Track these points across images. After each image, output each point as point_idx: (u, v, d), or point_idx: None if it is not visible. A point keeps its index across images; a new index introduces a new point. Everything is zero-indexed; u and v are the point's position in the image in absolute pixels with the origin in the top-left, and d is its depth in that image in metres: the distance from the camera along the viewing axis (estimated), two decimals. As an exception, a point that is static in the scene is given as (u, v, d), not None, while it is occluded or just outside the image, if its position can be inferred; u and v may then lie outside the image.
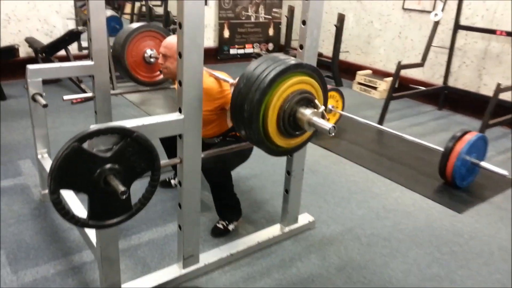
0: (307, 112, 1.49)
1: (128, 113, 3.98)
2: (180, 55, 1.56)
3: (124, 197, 1.40)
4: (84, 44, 4.96)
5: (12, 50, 3.97)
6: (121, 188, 1.39)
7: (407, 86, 4.90)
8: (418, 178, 3.12)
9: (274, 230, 2.28)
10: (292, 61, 1.52)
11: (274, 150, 1.62)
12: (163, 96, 4.70)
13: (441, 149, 3.35)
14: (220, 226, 2.30)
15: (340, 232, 2.40)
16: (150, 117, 1.59)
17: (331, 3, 6.00)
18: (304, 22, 1.89)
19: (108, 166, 1.44)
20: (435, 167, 3.13)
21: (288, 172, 2.19)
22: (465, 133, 2.98)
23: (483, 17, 4.43)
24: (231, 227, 2.31)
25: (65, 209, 1.42)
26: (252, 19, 6.45)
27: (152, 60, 2.67)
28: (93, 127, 1.42)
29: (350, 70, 5.71)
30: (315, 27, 1.92)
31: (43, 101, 2.15)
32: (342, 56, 5.81)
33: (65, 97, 2.37)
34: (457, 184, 2.96)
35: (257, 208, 2.58)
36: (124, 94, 3.71)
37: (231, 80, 2.02)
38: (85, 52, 5.03)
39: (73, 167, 1.38)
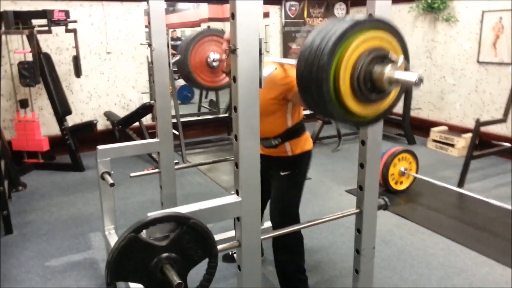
0: (384, 69, 1.31)
1: (194, 181, 4.03)
2: (236, 138, 1.52)
3: (180, 290, 1.33)
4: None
5: (90, 126, 4.28)
6: (176, 280, 1.33)
7: (489, 142, 4.51)
8: (509, 250, 2.75)
9: (344, 315, 2.07)
10: (352, 20, 1.33)
11: (356, 121, 1.43)
12: (229, 163, 4.73)
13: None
14: (285, 309, 2.14)
15: (421, 317, 2.14)
16: (206, 202, 1.55)
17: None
18: None
19: (164, 255, 1.40)
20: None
21: (357, 251, 2.01)
22: None
23: None
24: (296, 310, 2.15)
25: (121, 301, 1.38)
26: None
27: (215, 64, 2.65)
28: (150, 215, 1.40)
29: (423, 127, 5.44)
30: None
31: (110, 180, 2.21)
32: (414, 113, 5.57)
33: (132, 174, 2.43)
34: (560, 259, 2.56)
35: (325, 287, 2.39)
36: (187, 167, 3.78)
37: (294, 62, 1.72)
38: (157, 121, 5.30)
39: (130, 258, 1.35)
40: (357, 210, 1.94)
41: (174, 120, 4.90)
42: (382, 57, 1.36)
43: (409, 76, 1.28)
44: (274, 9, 6.05)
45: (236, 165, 1.55)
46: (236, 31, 1.41)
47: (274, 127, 2.11)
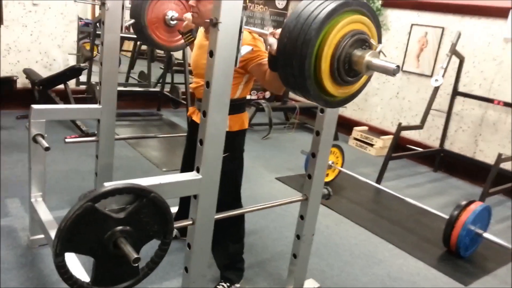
0: (364, 54, 1.35)
1: (122, 154, 3.85)
2: (204, 113, 1.48)
3: (136, 265, 1.28)
4: (82, 79, 4.89)
5: (10, 82, 3.86)
6: (134, 255, 1.27)
7: (404, 146, 4.91)
8: (421, 245, 3.04)
9: (277, 297, 2.14)
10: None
11: (329, 100, 1.47)
12: (158, 139, 4.60)
13: (444, 215, 3.30)
14: (221, 288, 2.16)
15: (345, 301, 2.28)
16: (166, 176, 1.49)
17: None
18: None
19: (119, 228, 1.33)
20: (437, 233, 3.08)
21: (298, 236, 2.08)
22: (469, 202, 2.94)
23: (481, 85, 4.53)
24: (231, 290, 2.17)
25: (68, 274, 1.29)
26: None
27: (173, 22, 2.54)
28: (109, 185, 1.31)
29: (346, 125, 5.74)
30: None
31: (45, 144, 2.03)
32: (339, 111, 5.84)
33: (67, 140, 2.26)
34: (461, 254, 2.89)
35: (259, 269, 2.44)
36: (127, 139, 3.59)
37: (268, 32, 1.68)
38: (82, 87, 4.95)
39: (83, 229, 1.27)
40: (303, 197, 2.01)
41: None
42: (362, 41, 1.41)
43: (388, 64, 1.34)
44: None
45: (201, 141, 1.51)
46: (221, 3, 1.37)
47: None
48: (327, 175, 3.91)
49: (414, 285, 2.52)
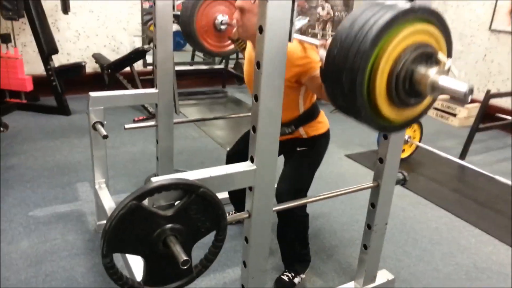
0: (429, 71, 1.11)
1: (188, 134, 3.83)
2: (256, 98, 1.32)
3: (186, 267, 1.18)
4: (149, 60, 4.93)
5: (79, 67, 3.98)
6: (183, 256, 1.17)
7: (493, 115, 4.39)
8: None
9: (348, 290, 1.97)
10: (408, 4, 1.11)
11: (382, 125, 1.23)
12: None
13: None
14: (286, 278, 2.03)
15: (424, 295, 2.06)
16: (217, 168, 1.36)
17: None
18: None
19: (168, 226, 1.23)
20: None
21: (369, 226, 1.88)
22: None
23: None
24: (297, 280, 2.04)
25: (118, 274, 1.23)
26: (319, 37, 6.18)
27: (223, 27, 2.41)
28: (155, 181, 1.21)
29: (424, 94, 5.27)
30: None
31: (103, 131, 2.01)
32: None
33: (127, 126, 2.22)
34: None
35: (326, 256, 2.29)
36: (187, 122, 3.54)
37: (318, 42, 1.51)
38: (149, 68, 5.00)
39: (130, 228, 1.18)
40: (375, 184, 1.79)
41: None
42: (428, 56, 1.14)
43: (458, 86, 1.06)
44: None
45: (254, 128, 1.36)
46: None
47: (286, 113, 1.87)
48: (403, 150, 3.59)
49: (505, 279, 2.22)
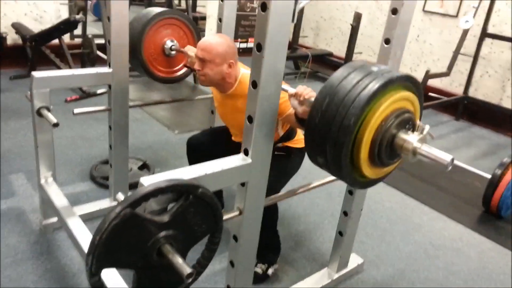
0: (410, 138, 1.17)
1: (131, 116, 3.53)
2: (254, 84, 1.19)
3: (190, 280, 1.04)
4: (77, 31, 4.46)
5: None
6: (187, 269, 1.03)
7: (426, 94, 4.62)
8: (458, 205, 2.86)
9: (322, 278, 1.96)
10: (392, 73, 1.17)
11: (359, 182, 1.28)
12: (165, 93, 4.29)
13: (479, 172, 3.12)
14: (259, 270, 1.96)
15: (391, 275, 2.11)
16: (210, 164, 1.23)
17: (343, 1, 5.66)
18: (387, 41, 1.55)
19: (163, 233, 1.08)
20: (471, 191, 2.94)
21: (345, 213, 1.86)
22: (513, 160, 2.72)
23: (512, 25, 4.18)
24: (270, 271, 1.98)
25: (107, 294, 1.06)
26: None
27: (172, 53, 2.26)
28: (147, 183, 1.05)
29: (360, 72, 5.40)
30: (399, 47, 1.58)
31: (53, 119, 1.74)
32: (354, 57, 5.49)
33: (76, 111, 1.96)
34: (501, 214, 2.71)
35: (294, 243, 2.25)
36: (143, 106, 3.25)
37: (290, 90, 1.50)
38: (77, 40, 4.54)
39: (121, 240, 1.02)
40: (354, 171, 1.76)
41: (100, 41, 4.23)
42: (407, 121, 1.19)
43: (442, 156, 1.14)
44: None
45: (250, 118, 1.24)
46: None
47: None
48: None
49: (458, 254, 2.35)
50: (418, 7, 4.90)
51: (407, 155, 1.19)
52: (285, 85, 1.57)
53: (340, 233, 1.91)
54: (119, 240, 1.01)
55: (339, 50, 5.67)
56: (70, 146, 2.92)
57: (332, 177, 1.76)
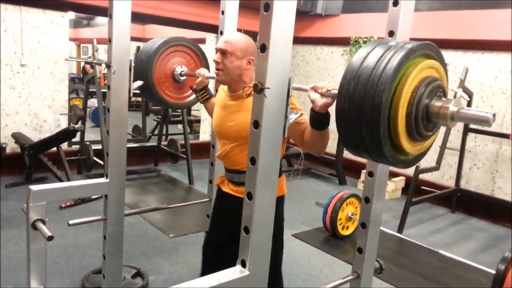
0: (446, 103, 1.15)
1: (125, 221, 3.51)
2: (249, 196, 1.22)
3: None
4: (75, 138, 4.61)
5: (-2, 151, 3.56)
6: None
7: (418, 188, 4.68)
8: (465, 305, 2.75)
9: None
10: (411, 42, 1.16)
11: (402, 160, 1.22)
12: (160, 200, 4.30)
13: (483, 267, 3.06)
14: None
15: None
16: (208, 279, 1.20)
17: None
18: (391, 33, 1.55)
19: None
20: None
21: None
22: (515, 253, 2.68)
23: (493, 120, 4.38)
24: None
25: None
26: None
27: (182, 78, 2.32)
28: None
29: (353, 168, 5.51)
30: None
31: (47, 232, 1.72)
32: (345, 153, 5.64)
33: (71, 222, 1.95)
34: (511, 313, 2.60)
35: None
36: (139, 213, 3.24)
37: (307, 86, 1.41)
38: (75, 147, 4.67)
39: None
40: (355, 276, 1.72)
41: (97, 147, 4.35)
42: (437, 89, 1.19)
43: (482, 114, 1.11)
44: (210, 37, 5.83)
45: (246, 229, 1.24)
46: (267, 65, 1.14)
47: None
48: (347, 227, 3.63)
49: None
50: (402, 105, 5.17)
51: (445, 121, 1.16)
52: (301, 85, 1.47)
53: None
54: None
55: (329, 147, 5.85)
56: (62, 256, 2.84)
57: (338, 281, 1.72)
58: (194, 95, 2.33)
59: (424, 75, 1.19)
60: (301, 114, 1.57)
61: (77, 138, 4.56)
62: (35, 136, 4.23)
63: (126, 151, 2.01)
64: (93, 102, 6.73)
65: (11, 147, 4.16)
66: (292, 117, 1.37)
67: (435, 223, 4.28)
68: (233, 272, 1.25)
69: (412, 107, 1.14)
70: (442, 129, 4.43)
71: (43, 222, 1.81)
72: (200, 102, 2.16)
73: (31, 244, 1.83)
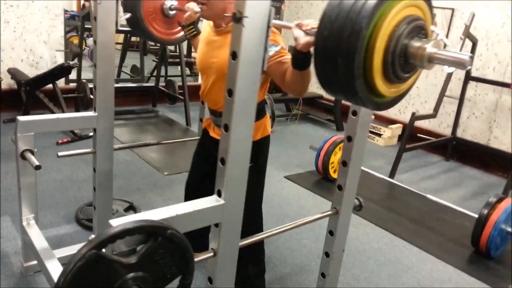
0: (425, 44, 1.11)
1: (120, 157, 3.57)
2: (226, 127, 1.23)
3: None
4: (72, 76, 4.59)
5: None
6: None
7: (414, 135, 4.69)
8: (447, 246, 2.83)
9: (305, 321, 1.92)
10: None
11: (374, 101, 1.19)
12: (157, 139, 4.35)
13: (469, 212, 3.12)
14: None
15: (377, 319, 2.07)
16: (183, 205, 1.24)
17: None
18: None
19: (131, 275, 1.09)
20: (461, 232, 2.93)
21: (327, 254, 1.85)
22: (500, 199, 2.73)
23: (495, 69, 4.30)
24: (253, 314, 1.94)
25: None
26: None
27: (172, 13, 2.27)
28: (115, 224, 1.06)
29: (351, 114, 5.48)
30: None
31: (35, 162, 1.77)
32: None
33: (60, 154, 1.99)
34: (491, 254, 2.69)
35: (279, 286, 2.22)
36: (129, 148, 3.29)
37: (290, 24, 1.39)
38: (72, 85, 4.65)
39: (87, 281, 1.02)
40: (333, 211, 1.77)
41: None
42: (419, 29, 1.14)
43: (459, 55, 1.08)
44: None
45: (222, 160, 1.26)
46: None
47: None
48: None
49: (447, 295, 2.32)
50: (404, 51, 5.06)
51: (422, 63, 1.13)
52: (286, 22, 1.50)
53: (322, 275, 1.89)
54: (84, 281, 1.01)
55: (330, 92, 5.80)
56: (58, 189, 2.92)
57: (317, 215, 1.77)
58: (182, 32, 2.29)
59: (409, 13, 1.14)
60: (282, 48, 1.54)
61: (74, 76, 4.54)
62: (31, 73, 4.20)
63: (113, 85, 2.01)
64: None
65: (8, 83, 4.16)
66: (272, 49, 1.35)
67: (428, 170, 4.33)
68: (209, 201, 1.29)
69: (391, 42, 1.10)
70: (443, 77, 4.36)
71: (32, 152, 1.85)
72: (187, 38, 2.12)
73: (21, 174, 1.88)
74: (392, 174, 3.91)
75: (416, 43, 1.13)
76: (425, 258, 2.65)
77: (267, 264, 2.34)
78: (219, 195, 1.30)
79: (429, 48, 1.10)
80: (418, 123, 4.88)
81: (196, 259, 1.34)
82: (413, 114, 3.91)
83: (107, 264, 1.04)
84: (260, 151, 1.85)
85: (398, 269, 2.50)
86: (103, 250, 1.05)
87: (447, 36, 4.63)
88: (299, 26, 1.33)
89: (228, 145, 1.23)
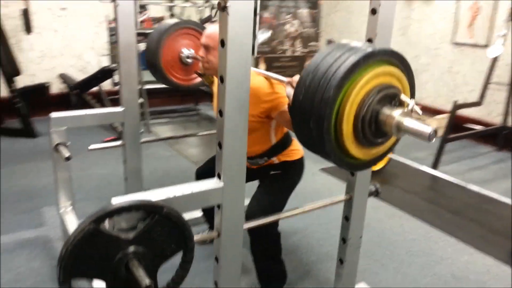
0: (393, 113, 1.13)
1: (160, 154, 3.75)
2: (220, 113, 1.28)
3: (150, 290, 1.10)
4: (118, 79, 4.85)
5: (42, 89, 3.87)
6: (146, 280, 1.10)
7: (461, 125, 4.48)
8: (488, 238, 2.69)
9: (325, 307, 1.92)
10: (374, 47, 1.14)
11: (347, 162, 1.24)
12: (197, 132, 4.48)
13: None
14: (262, 299, 1.96)
15: (403, 308, 2.02)
16: (182, 186, 1.30)
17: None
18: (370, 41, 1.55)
19: (131, 249, 1.16)
20: (506, 223, 2.73)
21: (344, 240, 1.84)
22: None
23: (548, 50, 4.01)
24: (274, 300, 1.97)
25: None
26: (289, 53, 6.22)
27: (189, 60, 2.37)
28: (115, 203, 1.14)
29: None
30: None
31: (66, 153, 1.92)
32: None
33: (91, 147, 2.14)
34: (536, 247, 2.52)
35: (303, 273, 2.23)
36: (155, 141, 3.46)
37: (286, 79, 1.51)
38: (118, 87, 4.91)
39: (88, 253, 1.11)
40: (347, 197, 1.76)
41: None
42: (391, 97, 1.17)
43: (422, 128, 1.09)
44: None
45: (219, 144, 1.31)
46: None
47: (257, 146, 1.91)
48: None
49: (483, 286, 2.21)
50: (447, 39, 4.85)
51: (391, 131, 1.15)
52: (280, 76, 1.62)
53: (340, 261, 1.88)
54: (85, 253, 1.10)
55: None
56: (100, 183, 3.12)
57: (329, 200, 1.78)
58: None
59: (381, 81, 1.16)
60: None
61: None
62: (80, 77, 4.49)
63: (137, 80, 2.14)
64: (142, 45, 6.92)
65: (59, 87, 4.48)
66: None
67: (477, 161, 4.12)
68: (209, 183, 1.34)
69: (362, 109, 1.13)
70: (486, 63, 4.13)
71: (64, 145, 2.01)
72: (207, 85, 2.20)
73: (55, 164, 2.05)
74: (435, 165, 3.77)
75: (386, 111, 1.15)
76: (462, 249, 2.54)
77: (294, 252, 2.38)
78: (219, 177, 1.35)
79: (397, 117, 1.12)
80: (466, 113, 4.66)
81: (200, 238, 1.41)
82: (455, 102, 3.74)
83: (106, 238, 1.13)
84: (290, 168, 1.99)
85: (431, 259, 2.42)
86: (106, 227, 1.15)
87: (492, 20, 4.37)
88: (290, 83, 1.40)
89: (223, 130, 1.28)
